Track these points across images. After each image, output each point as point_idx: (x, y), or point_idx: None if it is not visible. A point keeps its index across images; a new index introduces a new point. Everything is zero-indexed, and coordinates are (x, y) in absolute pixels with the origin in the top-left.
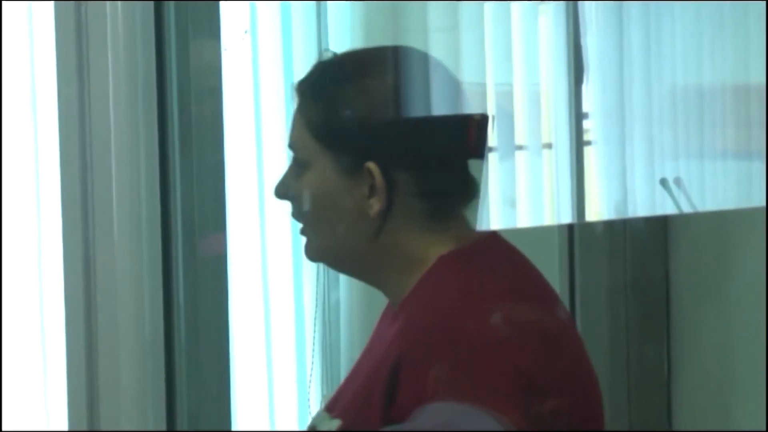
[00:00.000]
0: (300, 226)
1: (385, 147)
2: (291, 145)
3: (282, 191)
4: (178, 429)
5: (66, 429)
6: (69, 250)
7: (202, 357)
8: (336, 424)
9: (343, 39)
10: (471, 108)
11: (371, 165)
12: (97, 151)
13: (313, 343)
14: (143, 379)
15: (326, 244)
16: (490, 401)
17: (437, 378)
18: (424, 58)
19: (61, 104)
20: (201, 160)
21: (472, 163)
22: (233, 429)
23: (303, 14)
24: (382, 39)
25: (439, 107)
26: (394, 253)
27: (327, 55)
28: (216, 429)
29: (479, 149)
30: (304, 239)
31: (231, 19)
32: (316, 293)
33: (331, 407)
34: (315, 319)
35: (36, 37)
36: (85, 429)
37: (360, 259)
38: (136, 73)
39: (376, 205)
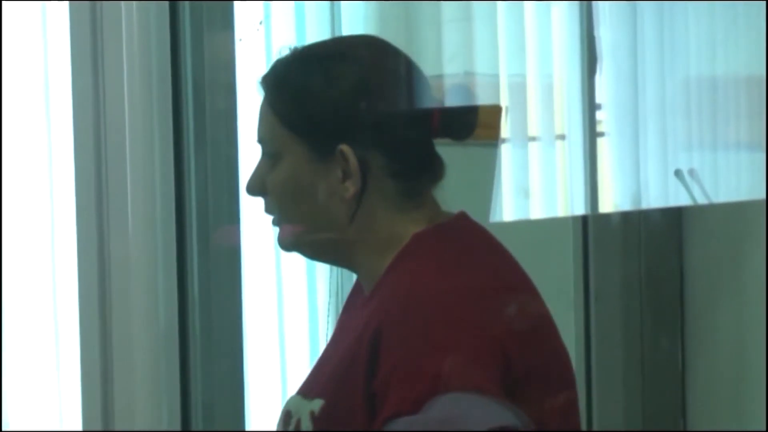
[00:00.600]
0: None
1: (356, 129)
2: (260, 140)
3: (255, 187)
4: (193, 428)
5: (80, 429)
6: (83, 245)
7: (215, 351)
8: (318, 403)
9: (357, 31)
10: (471, 97)
11: (345, 147)
12: (111, 146)
13: (327, 337)
14: (157, 375)
15: (302, 232)
16: (485, 385)
17: (428, 360)
18: (386, 44)
19: (76, 100)
20: (215, 153)
21: (482, 153)
22: (247, 423)
23: (317, 6)
24: (395, 31)
25: (404, 87)
26: (369, 234)
27: (285, 51)
28: (230, 428)
29: (444, 129)
30: (276, 230)
31: (246, 10)
32: (330, 286)
33: (305, 392)
34: (328, 312)
35: (49, 34)
36: (99, 429)
37: (336, 244)
38: (150, 69)
39: (351, 188)
